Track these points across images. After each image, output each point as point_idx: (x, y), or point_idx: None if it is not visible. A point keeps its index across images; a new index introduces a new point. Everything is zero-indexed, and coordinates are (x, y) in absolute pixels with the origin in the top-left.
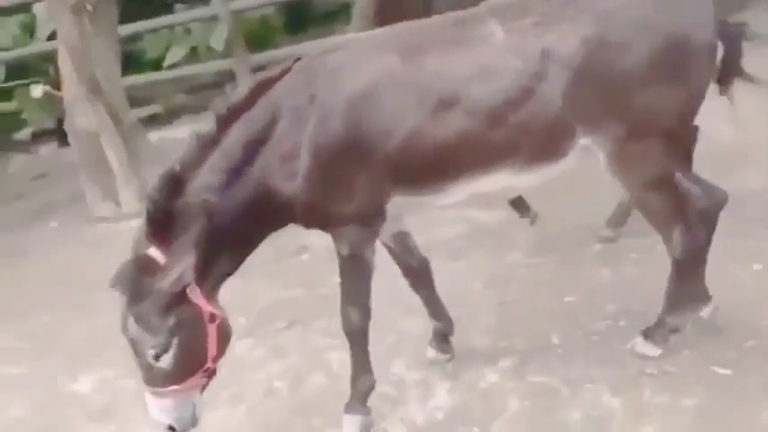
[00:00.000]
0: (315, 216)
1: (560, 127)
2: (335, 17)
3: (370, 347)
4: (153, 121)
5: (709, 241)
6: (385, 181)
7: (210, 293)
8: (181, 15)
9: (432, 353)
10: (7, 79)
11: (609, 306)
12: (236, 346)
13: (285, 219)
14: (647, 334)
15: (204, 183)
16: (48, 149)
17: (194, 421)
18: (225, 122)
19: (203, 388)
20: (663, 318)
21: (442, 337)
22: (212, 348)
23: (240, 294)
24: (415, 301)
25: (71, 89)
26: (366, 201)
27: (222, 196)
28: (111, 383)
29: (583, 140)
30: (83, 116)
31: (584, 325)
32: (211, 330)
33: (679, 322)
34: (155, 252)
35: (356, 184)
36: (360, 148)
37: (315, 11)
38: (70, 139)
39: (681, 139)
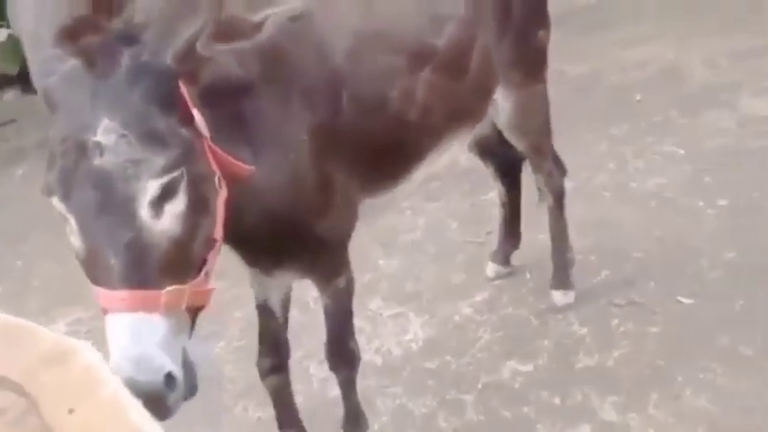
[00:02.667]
0: (314, 235)
1: (493, 76)
2: None
3: None
4: None
5: None
6: (366, 177)
7: None
8: None
9: None
10: None
11: (581, 242)
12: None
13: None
14: (556, 284)
15: None
16: (12, 95)
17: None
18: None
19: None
20: (558, 259)
21: None
22: (220, 226)
23: None
24: (393, 238)
25: None
26: (355, 211)
27: None
28: (87, 324)
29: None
30: None
31: None
32: (221, 202)
33: (571, 255)
34: None
35: (350, 188)
36: (349, 138)
37: None
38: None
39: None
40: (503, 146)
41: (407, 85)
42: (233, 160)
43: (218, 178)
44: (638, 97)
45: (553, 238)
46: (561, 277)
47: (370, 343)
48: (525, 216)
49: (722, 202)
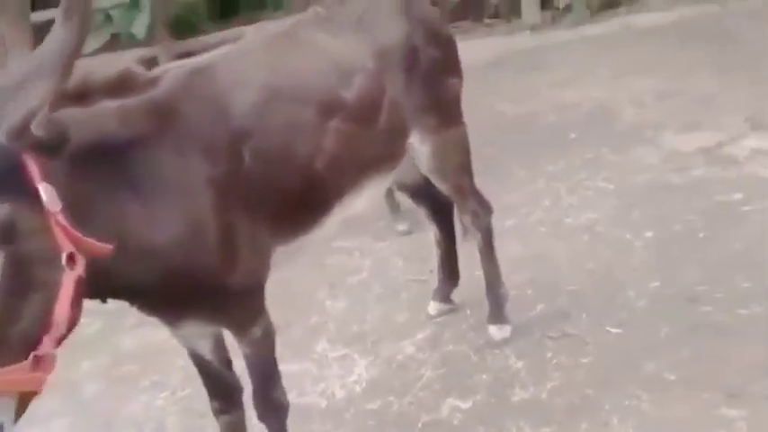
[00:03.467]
0: (220, 287)
1: (404, 123)
2: (262, 4)
3: (295, 328)
4: None
5: None
6: (276, 228)
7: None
8: (100, 1)
9: None
10: None
11: (518, 277)
12: (157, 335)
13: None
14: (493, 319)
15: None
16: None
17: None
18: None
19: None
20: (493, 295)
21: None
22: (62, 307)
23: None
24: (340, 279)
25: None
26: (266, 261)
27: None
28: None
29: (411, 137)
30: None
31: None
32: (68, 280)
33: (504, 291)
34: None
35: (258, 238)
36: (255, 190)
37: None
38: None
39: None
40: (432, 188)
41: (314, 136)
42: (83, 238)
43: (70, 255)
44: (573, 135)
45: (486, 276)
46: (497, 313)
47: (315, 386)
48: (464, 253)
49: (648, 234)
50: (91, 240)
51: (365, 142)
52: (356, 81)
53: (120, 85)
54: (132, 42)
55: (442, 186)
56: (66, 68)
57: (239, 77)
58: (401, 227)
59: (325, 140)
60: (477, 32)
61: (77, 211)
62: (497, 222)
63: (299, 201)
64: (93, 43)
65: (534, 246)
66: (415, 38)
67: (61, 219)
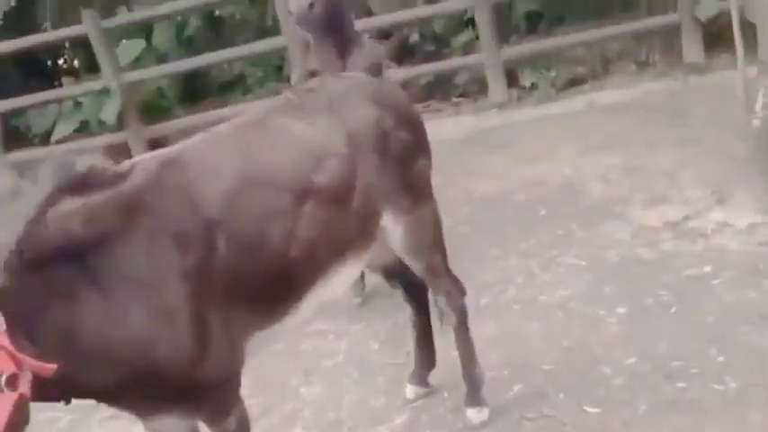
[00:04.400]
0: (194, 381)
1: (375, 206)
2: (232, 88)
3: (271, 416)
4: None
5: None
6: (252, 315)
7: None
8: (69, 89)
9: None
10: None
11: (493, 357)
12: (131, 428)
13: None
14: (470, 402)
15: None
16: None
17: None
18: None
19: None
20: (469, 377)
21: None
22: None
23: None
24: (315, 364)
25: None
26: (241, 348)
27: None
28: None
29: (383, 219)
30: None
31: None
32: (5, 402)
33: (481, 372)
34: None
35: (233, 328)
36: (230, 279)
37: (210, 82)
38: None
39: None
40: (406, 269)
41: (286, 222)
42: (26, 359)
43: (11, 376)
44: (543, 212)
45: (462, 357)
46: (474, 395)
47: None
48: (440, 334)
49: (621, 310)
50: (33, 362)
51: (338, 226)
52: (328, 166)
53: (86, 183)
54: (102, 128)
55: (416, 267)
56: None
57: (210, 167)
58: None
59: (299, 226)
60: (446, 111)
61: (32, 323)
62: (471, 301)
63: (273, 288)
64: (63, 129)
65: (509, 324)
66: (385, 122)
67: (4, 341)
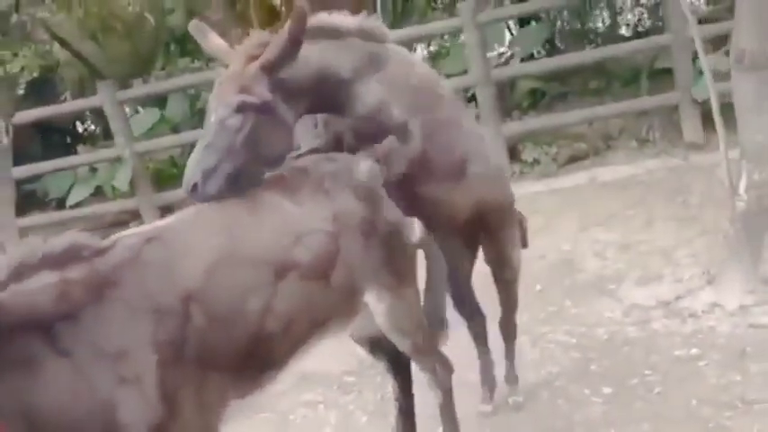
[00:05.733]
0: None
1: (358, 283)
2: None
3: None
4: None
5: None
6: (228, 385)
7: None
8: (84, 157)
9: None
10: None
11: None
12: None
13: None
14: None
15: None
16: None
17: None
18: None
19: None
20: None
21: None
22: None
23: None
24: None
25: None
26: (215, 418)
27: None
28: None
29: (366, 296)
30: None
31: None
32: None
33: None
34: None
35: (206, 397)
36: (205, 350)
37: None
38: None
39: None
40: (390, 342)
41: (266, 298)
42: None
43: None
44: (539, 287)
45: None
46: None
47: None
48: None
49: (606, 390)
50: None
51: (316, 303)
52: (312, 243)
53: (65, 258)
54: (116, 194)
55: (401, 345)
56: None
57: (192, 242)
58: None
59: (277, 302)
60: None
61: None
62: (460, 378)
63: (251, 359)
64: (78, 194)
65: (495, 402)
66: (372, 207)
67: None
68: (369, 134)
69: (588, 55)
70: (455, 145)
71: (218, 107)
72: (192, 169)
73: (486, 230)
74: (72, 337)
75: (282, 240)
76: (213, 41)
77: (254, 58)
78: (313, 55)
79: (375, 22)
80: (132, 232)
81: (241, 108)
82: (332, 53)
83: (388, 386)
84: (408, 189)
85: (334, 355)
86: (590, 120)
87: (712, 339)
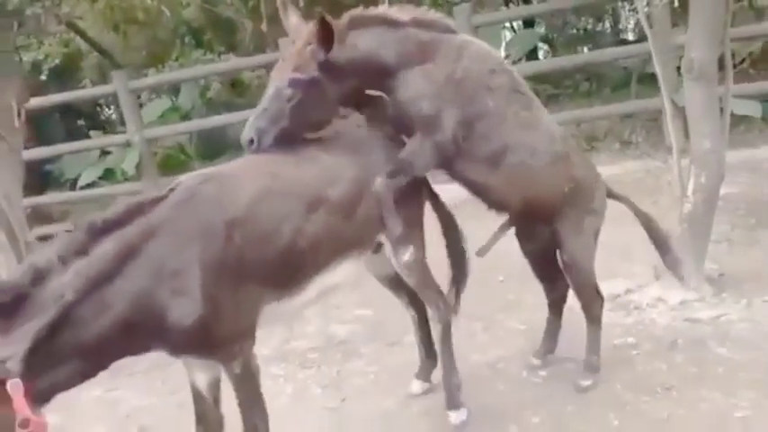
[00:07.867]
0: (204, 336)
1: (376, 220)
2: None
3: None
4: None
5: None
6: (265, 289)
7: (37, 399)
8: (96, 141)
9: None
10: None
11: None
12: None
13: (150, 341)
14: (450, 405)
15: (65, 281)
16: None
17: None
18: (97, 233)
19: None
20: (448, 384)
21: None
22: None
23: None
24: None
25: None
26: (252, 313)
27: (83, 300)
28: None
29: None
30: None
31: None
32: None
33: (458, 379)
34: None
35: (244, 298)
36: (244, 263)
37: (227, 139)
38: None
39: None
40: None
41: (298, 224)
42: (30, 414)
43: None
44: (501, 278)
45: (443, 366)
46: (453, 399)
47: None
48: (374, 384)
49: (542, 373)
50: (27, 414)
51: (341, 231)
52: (341, 185)
53: (124, 218)
54: (124, 177)
55: (409, 281)
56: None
57: (241, 181)
58: None
59: (308, 226)
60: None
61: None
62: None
63: (284, 269)
64: (89, 176)
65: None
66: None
67: (20, 398)
68: (403, 122)
69: (580, 58)
70: (493, 135)
71: (276, 80)
72: (250, 127)
73: (541, 219)
74: (135, 270)
75: (317, 182)
76: (292, 18)
77: (310, 42)
78: (363, 42)
79: (435, 15)
80: (196, 174)
81: (293, 83)
82: (380, 40)
83: (346, 363)
84: (449, 167)
85: (307, 335)
86: (578, 121)
87: (650, 331)
